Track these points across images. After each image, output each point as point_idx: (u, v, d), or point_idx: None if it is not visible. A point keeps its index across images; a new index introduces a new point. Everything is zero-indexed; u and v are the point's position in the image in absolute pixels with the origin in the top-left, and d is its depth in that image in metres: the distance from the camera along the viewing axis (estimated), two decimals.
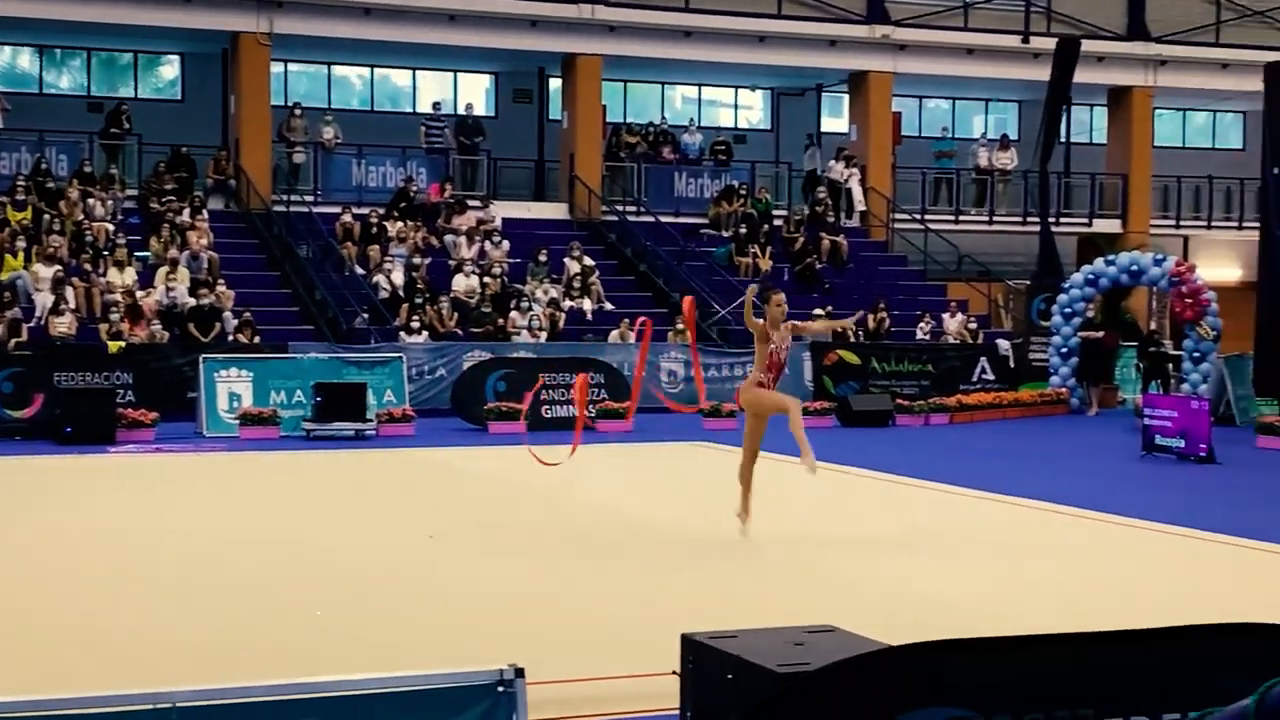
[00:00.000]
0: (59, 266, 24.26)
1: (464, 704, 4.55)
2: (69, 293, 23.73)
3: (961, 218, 34.32)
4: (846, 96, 34.86)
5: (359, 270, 26.75)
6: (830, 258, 30.85)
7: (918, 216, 33.37)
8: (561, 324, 26.37)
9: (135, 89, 31.96)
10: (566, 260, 28.12)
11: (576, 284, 27.57)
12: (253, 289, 26.11)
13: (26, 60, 31.73)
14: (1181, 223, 36.47)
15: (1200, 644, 5.10)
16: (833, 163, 33.20)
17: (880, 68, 33.23)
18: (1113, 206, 35.57)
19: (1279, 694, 2.36)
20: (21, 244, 24.96)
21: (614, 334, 25.85)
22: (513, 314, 25.90)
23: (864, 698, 4.76)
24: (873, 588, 10.37)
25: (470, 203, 29.46)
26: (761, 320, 12.07)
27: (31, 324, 23.29)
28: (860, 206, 32.99)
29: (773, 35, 32.07)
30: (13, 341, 22.43)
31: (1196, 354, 24.81)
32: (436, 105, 32.07)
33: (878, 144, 33.43)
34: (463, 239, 28.07)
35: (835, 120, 36.16)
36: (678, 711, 6.46)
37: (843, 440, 21.21)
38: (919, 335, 28.28)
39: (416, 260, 26.77)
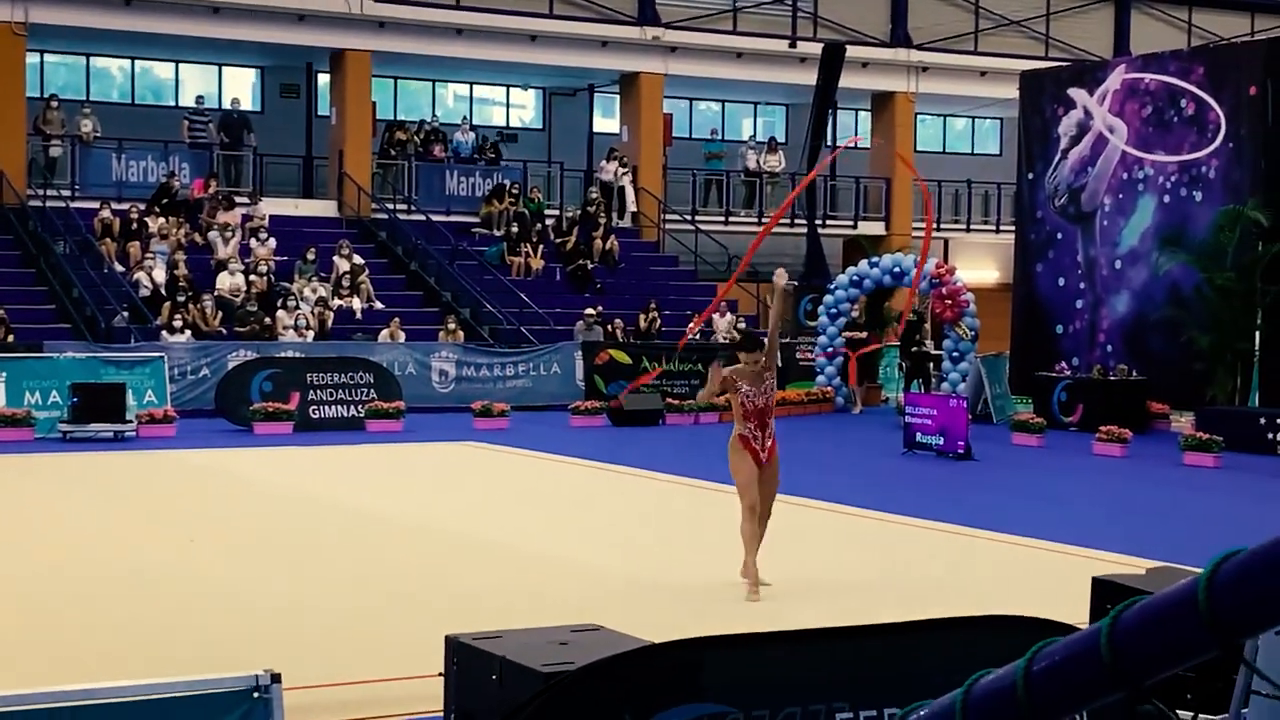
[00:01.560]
0: None
1: (220, 710, 4.46)
2: None
3: (731, 219, 34.82)
4: (618, 97, 35.09)
5: (119, 267, 25.98)
6: (602, 258, 31.02)
7: (688, 217, 33.76)
8: (330, 323, 26.01)
9: None
10: (335, 259, 27.75)
11: (345, 283, 27.23)
12: (6, 286, 25.18)
13: None
14: (942, 225, 37.59)
15: (956, 636, 5.27)
16: (604, 163, 33.37)
17: (651, 69, 33.52)
18: (877, 209, 36.51)
19: (984, 684, 2.46)
20: None
21: (384, 333, 25.59)
22: (279, 313, 25.45)
23: (625, 695, 4.80)
24: (636, 584, 10.46)
25: (237, 199, 28.84)
26: (723, 373, 10.40)
27: None
28: (632, 207, 33.24)
29: (545, 35, 32.10)
30: None
31: (956, 354, 25.61)
32: (200, 99, 31.32)
33: (649, 145, 33.73)
34: (224, 236, 27.46)
35: (607, 120, 36.36)
36: (441, 714, 6.43)
37: (613, 439, 21.37)
38: (688, 335, 28.56)
39: (179, 257, 26.11)
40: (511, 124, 36.59)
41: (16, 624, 8.99)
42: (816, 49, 31.52)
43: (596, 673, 4.93)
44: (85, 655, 8.16)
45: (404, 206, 31.19)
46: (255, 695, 4.50)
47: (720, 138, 36.64)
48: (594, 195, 32.29)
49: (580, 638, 6.33)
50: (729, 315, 29.32)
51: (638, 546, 12.32)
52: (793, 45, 34.13)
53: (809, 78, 31.25)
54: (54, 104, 29.15)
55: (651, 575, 10.90)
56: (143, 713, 4.40)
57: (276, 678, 4.51)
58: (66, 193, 28.23)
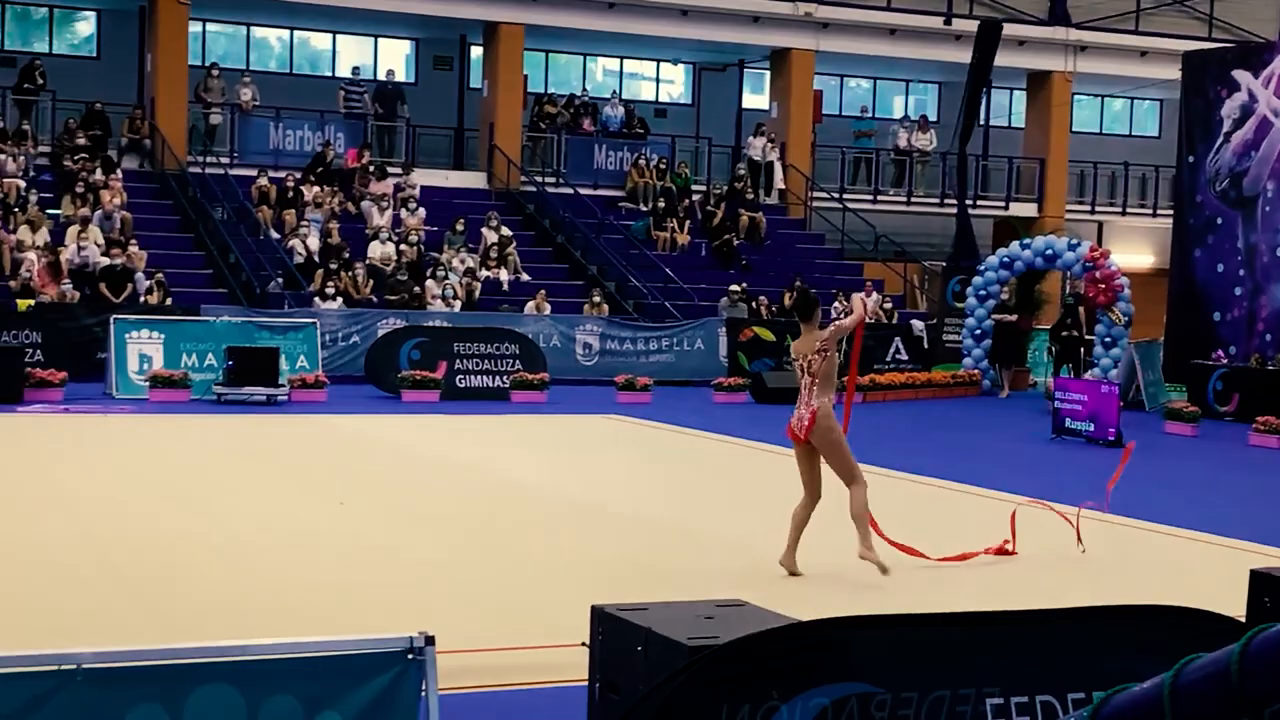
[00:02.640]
0: None
1: (374, 671, 4.53)
2: None
3: (879, 198, 34.52)
4: (768, 73, 34.92)
5: (274, 234, 26.49)
6: (748, 234, 30.93)
7: (836, 195, 33.53)
8: (477, 294, 26.26)
9: (50, 44, 31.39)
10: (484, 230, 28.00)
11: (493, 254, 27.47)
12: (166, 250, 25.79)
13: None
14: (1097, 208, 36.92)
15: (1109, 624, 5.17)
16: (753, 139, 33.26)
17: (802, 45, 33.31)
18: (1029, 190, 35.93)
19: (1193, 670, 2.39)
20: None
21: (530, 305, 25.79)
22: (428, 283, 25.76)
23: (772, 672, 4.79)
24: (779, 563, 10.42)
25: (389, 169, 29.23)
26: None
27: None
28: (780, 184, 33.09)
29: (696, 10, 32.04)
30: None
31: (1108, 339, 25.14)
32: (356, 70, 31.78)
33: (798, 121, 33.53)
34: (379, 206, 27.85)
35: (756, 96, 36.21)
36: (586, 683, 6.47)
37: (756, 416, 21.31)
38: (833, 314, 28.39)
39: (332, 225, 26.53)
40: (661, 99, 36.59)
41: (171, 579, 9.22)
42: (972, 26, 31.04)
43: (744, 648, 4.92)
44: (240, 613, 8.34)
45: (552, 179, 31.37)
46: (410, 657, 4.56)
47: (871, 115, 36.31)
48: (741, 171, 32.19)
49: (726, 612, 6.32)
50: (875, 295, 29.07)
51: (780, 524, 12.27)
52: (948, 22, 33.68)
53: (963, 56, 30.80)
54: (215, 73, 29.76)
55: (804, 555, 10.84)
56: (299, 670, 4.48)
57: (430, 640, 4.56)
58: (225, 160, 28.83)
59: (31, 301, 22.43)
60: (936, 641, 4.95)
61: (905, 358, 27.40)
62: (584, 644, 6.70)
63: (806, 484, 10.19)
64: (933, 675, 4.83)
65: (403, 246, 26.67)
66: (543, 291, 26.10)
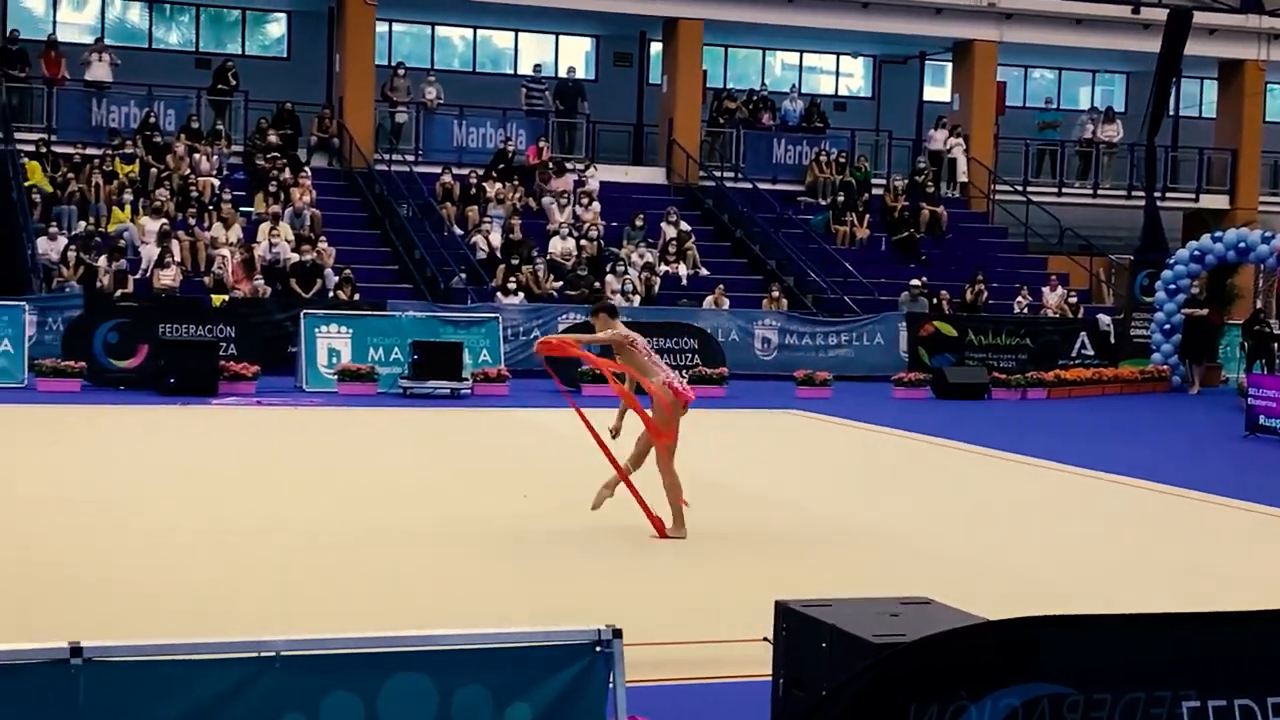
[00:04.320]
0: (165, 220, 24.62)
1: (562, 663, 4.58)
2: (174, 246, 24.06)
3: (1064, 190, 33.90)
4: (950, 65, 34.48)
5: (457, 230, 26.90)
6: (929, 228, 30.59)
7: (1019, 188, 32.99)
8: (656, 289, 26.37)
9: (242, 46, 32.29)
10: (663, 225, 28.10)
11: (672, 249, 27.56)
12: (353, 246, 26.36)
13: (136, 15, 32.14)
14: None
15: None
16: (934, 131, 32.89)
17: (985, 36, 32.83)
18: (1220, 182, 34.96)
19: None
20: (129, 197, 25.37)
21: (708, 300, 25.83)
22: (608, 277, 25.94)
23: (961, 671, 4.73)
24: (966, 561, 10.30)
25: (569, 165, 29.51)
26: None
27: (137, 276, 23.65)
28: (963, 177, 32.66)
29: (877, 2, 31.77)
30: (119, 293, 22.80)
31: None
32: (537, 68, 32.13)
33: (981, 114, 33.07)
34: (559, 202, 28.13)
35: (938, 89, 35.79)
36: (770, 678, 6.46)
37: (937, 412, 21.08)
38: (1017, 309, 27.99)
39: (514, 221, 26.86)
40: (840, 92, 36.36)
41: (361, 567, 9.42)
42: (1161, 15, 30.30)
43: (932, 646, 4.87)
44: (427, 603, 8.49)
45: (731, 174, 31.37)
46: (597, 649, 4.60)
47: (1055, 107, 35.69)
48: (922, 164, 31.85)
49: (911, 610, 6.27)
50: (1060, 290, 28.54)
51: (961, 520, 12.13)
52: (1135, 11, 32.93)
53: (1152, 45, 30.07)
54: (400, 72, 30.32)
55: (976, 550, 10.72)
56: (490, 661, 4.55)
57: (618, 633, 4.60)
58: (410, 157, 29.37)
59: (225, 297, 23.09)
60: (1131, 642, 4.85)
61: (1091, 353, 26.84)
62: (766, 639, 6.70)
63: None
64: (1127, 676, 4.74)
65: (583, 242, 26.90)
66: (721, 286, 26.11)
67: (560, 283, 25.78)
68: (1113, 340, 27.33)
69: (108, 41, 29.62)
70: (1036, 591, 9.19)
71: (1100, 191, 34.10)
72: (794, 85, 34.20)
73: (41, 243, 23.60)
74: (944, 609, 6.38)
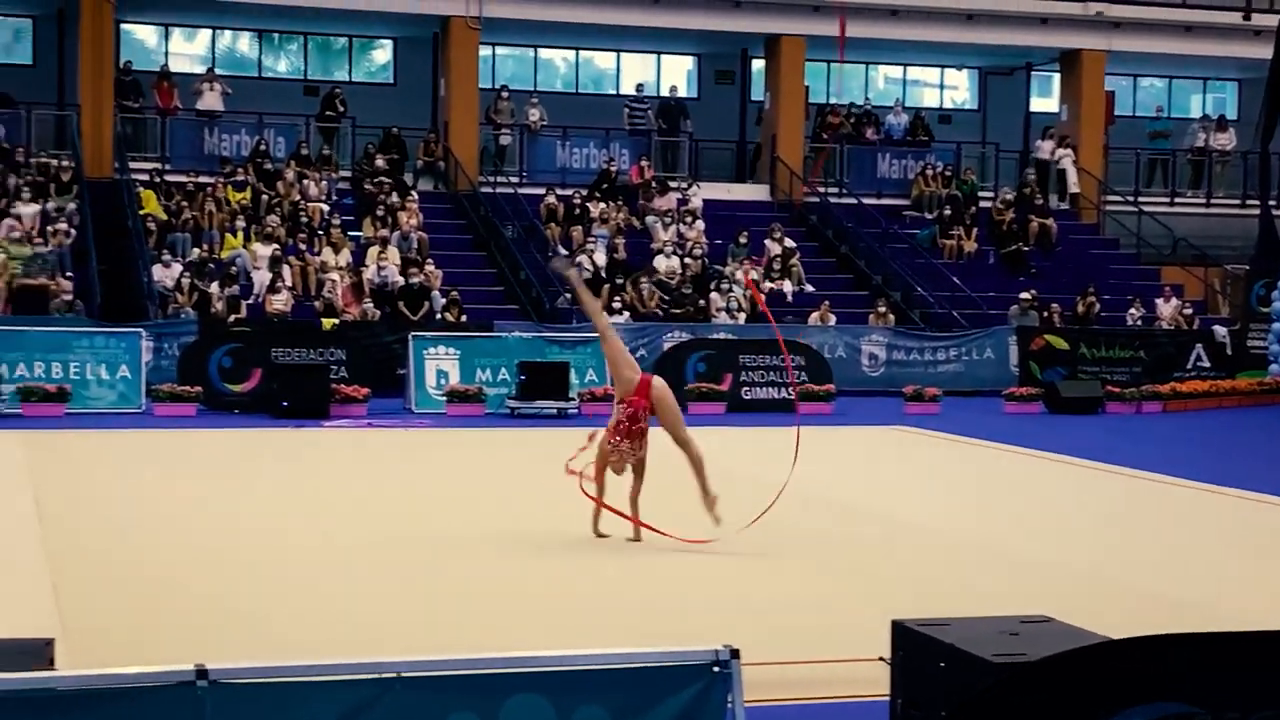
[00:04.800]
0: (276, 245, 24.98)
1: (681, 683, 4.57)
2: (285, 271, 24.42)
3: (1177, 200, 33.40)
4: (1057, 75, 34.13)
5: (562, 250, 27.03)
6: (1038, 240, 30.26)
7: (1130, 198, 32.54)
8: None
9: (350, 73, 32.72)
10: (767, 242, 28.05)
11: (777, 265, 27.49)
12: (460, 269, 26.57)
13: (246, 45, 32.69)
14: None
15: None
16: (1041, 142, 32.56)
17: (1093, 46, 32.46)
18: None
19: None
20: (241, 224, 25.78)
21: (814, 316, 25.73)
22: (713, 295, 25.93)
23: (1085, 691, 4.66)
24: (1086, 578, 10.15)
25: (672, 184, 29.56)
26: None
27: (250, 301, 24.01)
28: (1073, 188, 32.28)
29: (981, 13, 31.53)
30: (232, 318, 23.16)
31: None
32: (640, 87, 32.23)
33: (1089, 124, 32.67)
34: (663, 220, 28.18)
35: (1045, 100, 35.42)
36: (888, 698, 6.40)
37: (1050, 427, 20.82)
38: (1129, 321, 27.60)
39: (618, 241, 26.96)
40: (945, 105, 36.10)
41: (474, 585, 9.47)
42: (1273, 21, 29.75)
43: (1054, 666, 4.80)
44: (545, 621, 8.51)
45: (835, 189, 31.25)
46: (715, 670, 4.59)
47: (1166, 115, 35.15)
48: (1030, 176, 31.52)
49: (1031, 629, 6.19)
50: (1174, 301, 28.10)
51: (1079, 537, 11.97)
52: (1247, 17, 32.40)
53: (1264, 52, 29.55)
54: (504, 95, 30.57)
55: (1095, 567, 10.56)
56: (609, 681, 4.55)
57: (736, 653, 4.58)
58: (515, 179, 29.57)
59: (335, 320, 23.37)
60: (1259, 660, 4.75)
61: (1207, 365, 26.38)
62: (883, 659, 6.65)
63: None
64: (1255, 695, 4.64)
65: (687, 260, 26.91)
66: (827, 302, 26.01)
67: (665, 301, 25.80)
68: (1229, 352, 26.84)
69: (218, 71, 30.15)
70: (1159, 609, 9.03)
71: (1214, 201, 33.56)
72: (898, 99, 34.02)
73: (156, 270, 24.05)
74: (1065, 628, 6.29)
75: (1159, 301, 28.14)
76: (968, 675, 5.73)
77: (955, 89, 36.60)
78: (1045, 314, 26.84)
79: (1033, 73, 34.92)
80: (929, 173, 31.22)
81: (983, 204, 30.92)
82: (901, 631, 6.35)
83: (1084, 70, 32.54)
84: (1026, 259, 29.53)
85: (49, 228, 24.64)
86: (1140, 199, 32.67)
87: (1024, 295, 27.04)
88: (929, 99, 35.99)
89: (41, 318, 22.33)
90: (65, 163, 26.51)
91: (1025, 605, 7.92)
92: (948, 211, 30.00)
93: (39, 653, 5.50)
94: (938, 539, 11.64)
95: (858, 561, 10.67)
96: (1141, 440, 19.29)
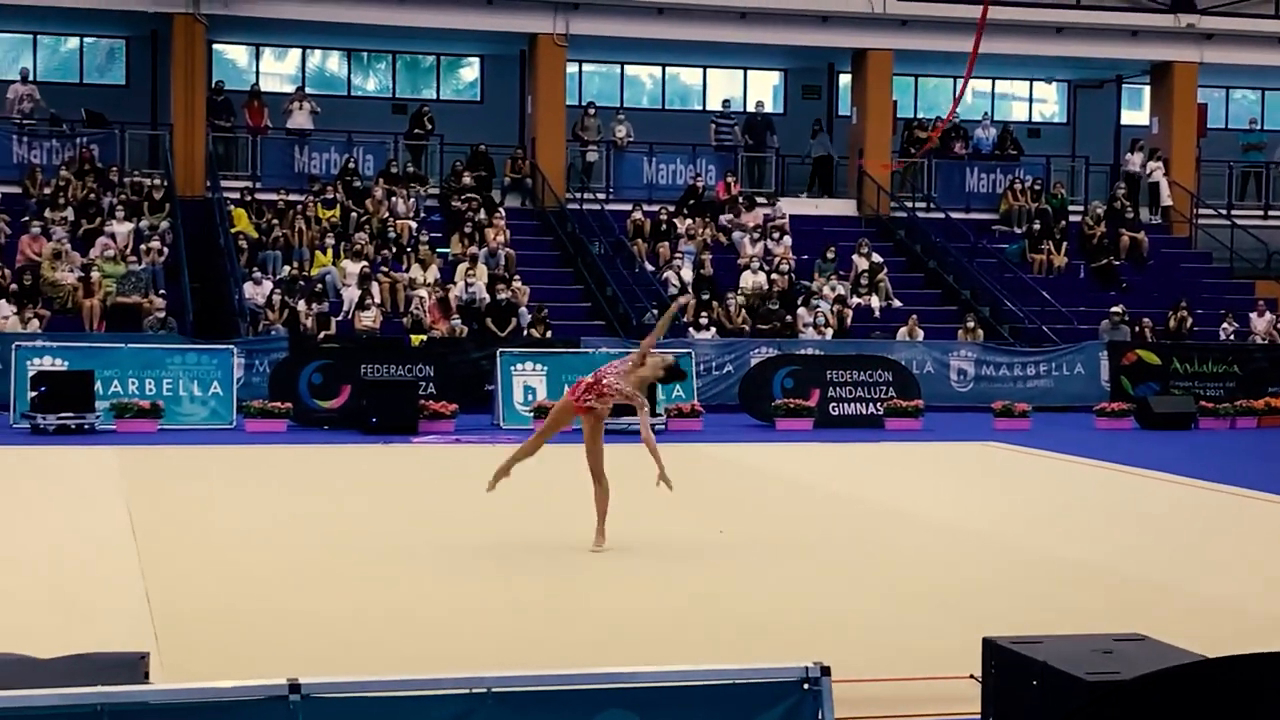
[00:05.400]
0: (365, 262, 25.21)
1: (771, 700, 4.56)
2: (374, 288, 24.64)
3: (1271, 213, 32.89)
4: (1147, 88, 33.75)
5: (649, 267, 27.08)
6: (1129, 254, 29.92)
7: (1223, 212, 32.10)
8: (848, 321, 26.21)
9: (437, 91, 32.99)
10: (854, 257, 27.94)
11: (864, 281, 27.37)
12: (547, 285, 26.68)
13: (335, 64, 33.06)
14: None
15: None
16: (1131, 155, 32.21)
17: (1185, 58, 32.08)
18: None
19: None
20: (330, 241, 26.05)
21: (902, 331, 25.59)
22: (800, 311, 25.86)
23: (1180, 711, 4.59)
24: (1180, 596, 10.01)
25: (759, 199, 29.54)
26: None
27: (339, 318, 24.25)
28: (1166, 201, 31.89)
29: (1071, 26, 31.27)
30: (322, 334, 23.40)
31: None
32: (726, 103, 32.24)
33: (1181, 136, 32.29)
34: (749, 236, 28.16)
35: (1135, 112, 35.04)
36: (978, 716, 6.35)
37: (1143, 443, 20.57)
38: (1223, 335, 27.21)
39: (705, 256, 26.96)
40: (1034, 118, 35.81)
41: (564, 603, 9.49)
42: None
43: (1151, 685, 4.74)
44: (633, 636, 8.51)
45: (923, 204, 31.08)
46: (805, 687, 4.57)
47: (1259, 128, 34.65)
48: (1120, 190, 31.19)
49: (1125, 647, 6.12)
50: (1268, 315, 27.68)
51: (1172, 554, 11.80)
52: None
53: None
54: (591, 112, 30.69)
55: (1189, 585, 10.41)
56: (698, 697, 4.55)
57: (826, 670, 4.56)
58: (601, 196, 29.67)
59: (424, 337, 23.54)
60: None
61: None
62: (974, 677, 6.59)
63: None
64: None
65: (774, 275, 26.86)
66: (914, 317, 25.85)
67: (752, 317, 25.76)
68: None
69: (308, 90, 30.50)
70: (1255, 628, 8.88)
71: None
72: (986, 113, 33.79)
73: (248, 287, 24.36)
74: (1160, 646, 6.21)
75: (1253, 316, 27.73)
76: (1060, 694, 5.67)
77: (1044, 102, 36.30)
78: (1136, 329, 26.53)
79: (1123, 85, 34.56)
80: (1018, 187, 30.99)
81: (1072, 218, 30.63)
82: (993, 649, 6.30)
83: (1175, 82, 32.16)
84: (1117, 273, 29.21)
85: (142, 246, 25.04)
86: (1233, 212, 32.21)
87: (1115, 310, 26.75)
88: (1018, 112, 35.71)
89: (135, 335, 22.69)
90: (158, 182, 26.94)
91: (1119, 623, 7.83)
92: (1037, 226, 29.74)
93: (134, 666, 5.58)
94: (1029, 555, 11.53)
95: (948, 578, 10.57)
96: (1235, 456, 19.00)
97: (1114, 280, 29.05)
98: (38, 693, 4.24)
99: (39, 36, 30.93)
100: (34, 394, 19.57)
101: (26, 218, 25.53)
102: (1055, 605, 9.57)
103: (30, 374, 19.86)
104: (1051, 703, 5.70)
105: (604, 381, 11.17)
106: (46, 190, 26.46)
